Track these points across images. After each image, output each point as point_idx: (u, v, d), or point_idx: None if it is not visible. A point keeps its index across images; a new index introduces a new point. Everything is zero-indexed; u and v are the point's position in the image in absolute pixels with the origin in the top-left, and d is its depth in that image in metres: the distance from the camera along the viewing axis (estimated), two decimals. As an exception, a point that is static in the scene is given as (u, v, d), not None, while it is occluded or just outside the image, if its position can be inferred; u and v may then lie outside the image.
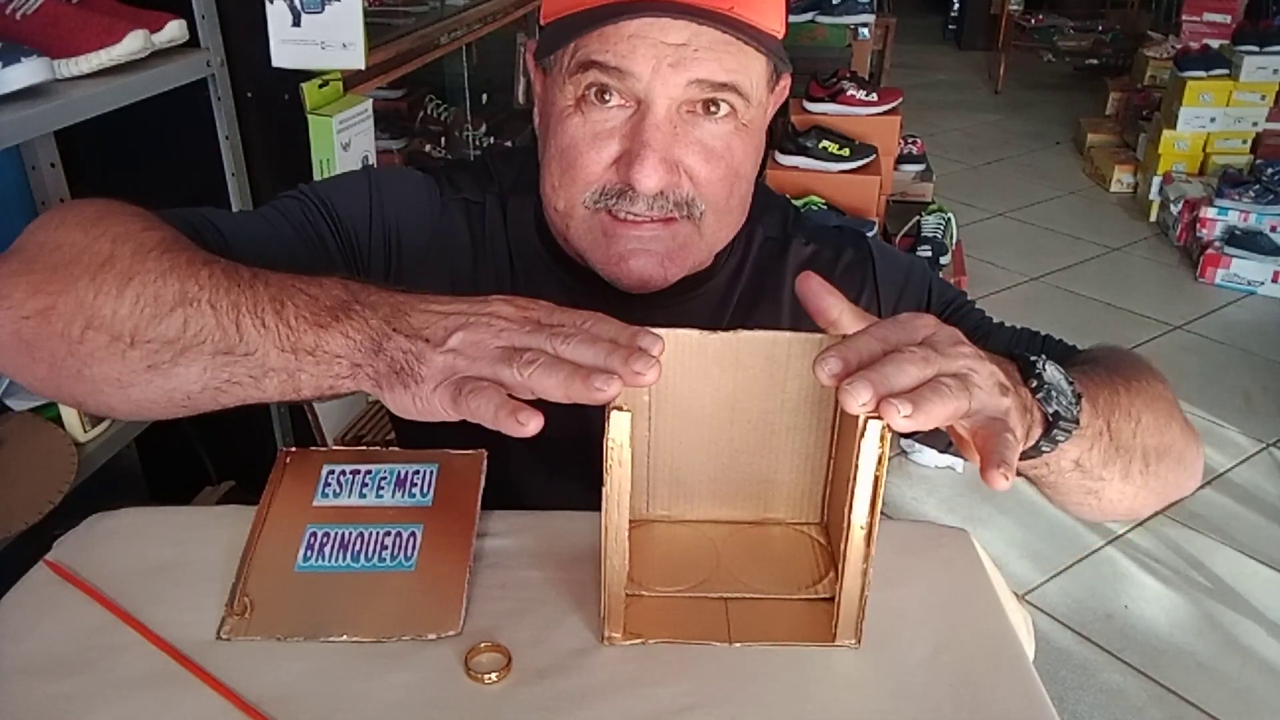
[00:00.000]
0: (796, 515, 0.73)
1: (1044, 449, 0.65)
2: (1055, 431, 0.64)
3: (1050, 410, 0.64)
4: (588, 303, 0.86)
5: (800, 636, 0.65)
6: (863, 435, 0.56)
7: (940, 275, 3.14)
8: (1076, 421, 0.65)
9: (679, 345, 0.64)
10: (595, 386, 0.53)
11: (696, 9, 0.71)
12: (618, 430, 0.55)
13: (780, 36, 0.78)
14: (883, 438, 0.56)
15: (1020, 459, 0.62)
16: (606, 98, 0.75)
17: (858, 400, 0.53)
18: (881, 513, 0.59)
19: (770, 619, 0.67)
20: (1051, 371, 0.65)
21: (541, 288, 0.87)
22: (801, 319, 0.90)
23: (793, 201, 0.98)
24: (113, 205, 0.70)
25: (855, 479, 0.58)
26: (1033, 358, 0.65)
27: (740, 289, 0.91)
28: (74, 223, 0.67)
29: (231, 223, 0.81)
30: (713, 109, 0.76)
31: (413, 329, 0.58)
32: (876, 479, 0.58)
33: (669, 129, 0.75)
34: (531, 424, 0.54)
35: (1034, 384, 0.64)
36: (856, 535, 0.60)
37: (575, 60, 0.75)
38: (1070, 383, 0.66)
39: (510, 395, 0.55)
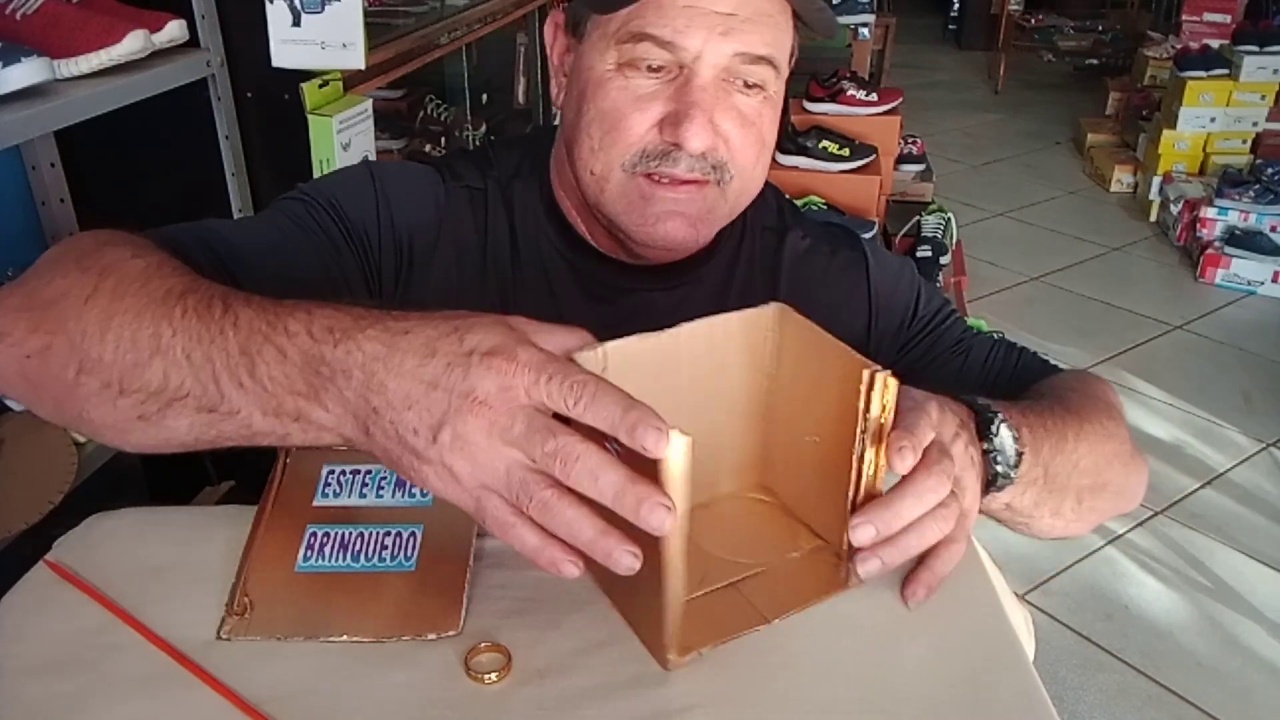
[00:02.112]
0: (742, 485, 0.75)
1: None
2: (991, 488, 0.71)
3: (991, 471, 0.71)
4: (589, 283, 0.88)
5: (819, 593, 0.67)
6: (870, 389, 0.60)
7: (940, 275, 3.13)
8: (1010, 479, 0.71)
9: (626, 355, 0.62)
10: (620, 563, 0.52)
11: None
12: (678, 456, 0.52)
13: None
14: (886, 386, 0.61)
15: None
16: (651, 64, 0.77)
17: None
18: None
19: (782, 588, 0.67)
20: (1003, 435, 0.71)
21: (549, 269, 0.89)
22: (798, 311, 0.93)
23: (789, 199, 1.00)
24: (114, 236, 0.69)
25: (867, 432, 0.62)
26: (990, 415, 0.71)
27: (738, 275, 0.92)
28: (72, 255, 0.67)
29: (240, 233, 0.81)
30: (750, 80, 0.78)
31: (395, 413, 0.53)
32: (881, 426, 0.62)
33: (713, 92, 0.77)
34: (571, 572, 0.54)
35: (985, 445, 0.70)
36: (868, 476, 0.63)
37: (626, 29, 0.76)
38: (1016, 440, 0.72)
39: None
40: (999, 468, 0.71)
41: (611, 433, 0.51)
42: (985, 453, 0.70)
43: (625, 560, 0.52)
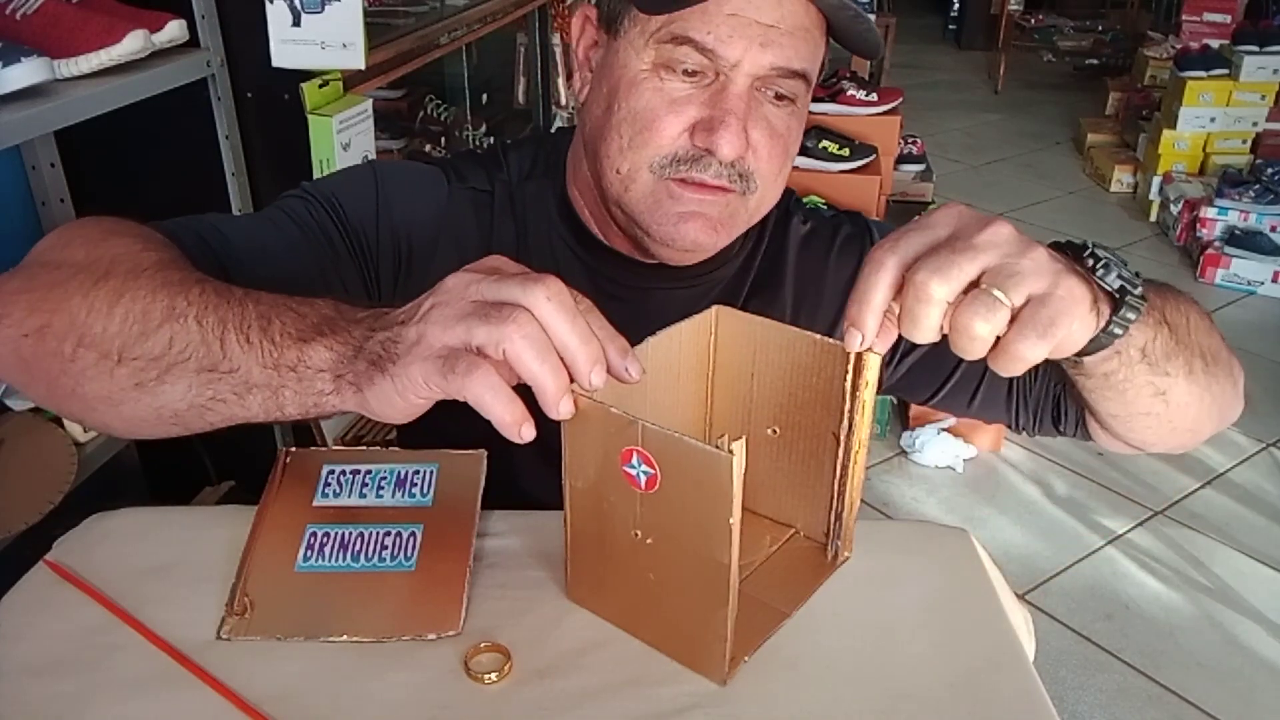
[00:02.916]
0: None
1: (1116, 330, 0.61)
2: (1125, 308, 0.61)
3: (1115, 286, 0.60)
4: (602, 282, 0.88)
5: (818, 576, 0.69)
6: (860, 370, 0.63)
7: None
8: (1144, 297, 0.62)
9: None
10: (600, 372, 0.54)
11: None
12: (741, 464, 0.53)
13: None
14: (872, 366, 0.63)
15: (1093, 349, 0.62)
16: (688, 68, 0.76)
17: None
18: (881, 513, 0.61)
19: (780, 580, 0.68)
20: (1103, 250, 0.61)
21: (563, 269, 0.89)
22: (804, 297, 0.93)
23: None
24: (119, 224, 0.71)
25: (854, 403, 0.64)
26: (1078, 241, 0.62)
27: (753, 271, 0.93)
28: (78, 241, 0.68)
29: (236, 228, 0.82)
30: (781, 92, 0.78)
31: (389, 321, 0.57)
32: (865, 403, 0.65)
33: (746, 101, 0.77)
34: (527, 435, 0.53)
35: (1090, 262, 0.60)
36: (858, 449, 0.66)
37: (668, 30, 0.76)
38: (1125, 262, 0.62)
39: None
40: (1120, 280, 0.60)
41: (605, 342, 0.55)
42: (1094, 269, 0.60)
43: (600, 372, 0.54)
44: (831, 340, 0.65)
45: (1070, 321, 0.56)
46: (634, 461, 0.56)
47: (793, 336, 0.67)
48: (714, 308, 0.70)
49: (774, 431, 0.71)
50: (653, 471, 0.56)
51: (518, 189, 0.90)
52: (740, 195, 0.80)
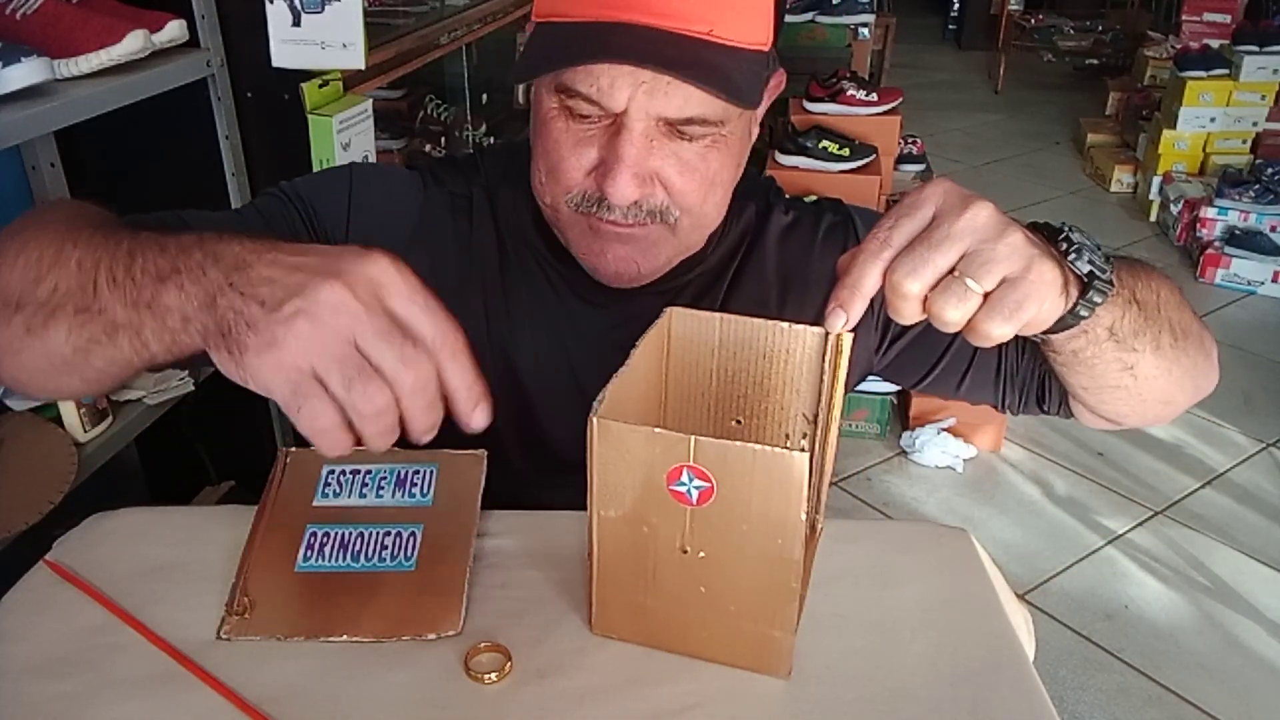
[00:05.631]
0: None
1: (1083, 313, 0.64)
2: (1092, 292, 0.64)
3: (1084, 270, 0.64)
4: (582, 289, 0.88)
5: (810, 549, 0.69)
6: (839, 352, 0.64)
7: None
8: (1111, 282, 0.64)
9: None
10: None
11: (676, 38, 0.71)
12: (804, 470, 0.54)
13: (767, 46, 0.78)
14: (847, 343, 0.64)
15: (1059, 329, 0.65)
16: (584, 113, 0.76)
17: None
18: (881, 513, 0.62)
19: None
20: (1079, 234, 0.65)
21: (535, 277, 0.89)
22: (790, 287, 0.93)
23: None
24: (75, 201, 0.71)
25: (834, 384, 0.66)
26: (1055, 224, 0.66)
27: (732, 268, 0.92)
28: (28, 215, 0.68)
29: (200, 217, 0.82)
30: (684, 130, 0.76)
31: (250, 286, 0.53)
32: (840, 378, 0.66)
33: (644, 143, 0.75)
34: (347, 445, 0.52)
35: (1064, 245, 0.64)
36: (833, 427, 0.68)
37: (558, 80, 0.75)
38: (1099, 245, 0.66)
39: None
40: (1090, 265, 0.64)
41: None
42: (1066, 253, 0.64)
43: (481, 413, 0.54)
44: (798, 325, 0.66)
45: (1038, 304, 0.59)
46: (684, 478, 0.56)
47: (755, 328, 0.68)
48: (668, 311, 0.70)
49: (738, 422, 0.72)
50: (707, 485, 0.56)
51: (495, 195, 0.91)
52: (664, 225, 0.79)
